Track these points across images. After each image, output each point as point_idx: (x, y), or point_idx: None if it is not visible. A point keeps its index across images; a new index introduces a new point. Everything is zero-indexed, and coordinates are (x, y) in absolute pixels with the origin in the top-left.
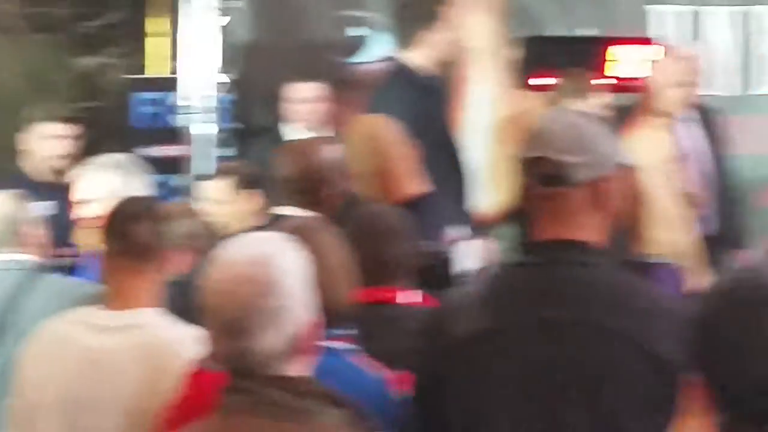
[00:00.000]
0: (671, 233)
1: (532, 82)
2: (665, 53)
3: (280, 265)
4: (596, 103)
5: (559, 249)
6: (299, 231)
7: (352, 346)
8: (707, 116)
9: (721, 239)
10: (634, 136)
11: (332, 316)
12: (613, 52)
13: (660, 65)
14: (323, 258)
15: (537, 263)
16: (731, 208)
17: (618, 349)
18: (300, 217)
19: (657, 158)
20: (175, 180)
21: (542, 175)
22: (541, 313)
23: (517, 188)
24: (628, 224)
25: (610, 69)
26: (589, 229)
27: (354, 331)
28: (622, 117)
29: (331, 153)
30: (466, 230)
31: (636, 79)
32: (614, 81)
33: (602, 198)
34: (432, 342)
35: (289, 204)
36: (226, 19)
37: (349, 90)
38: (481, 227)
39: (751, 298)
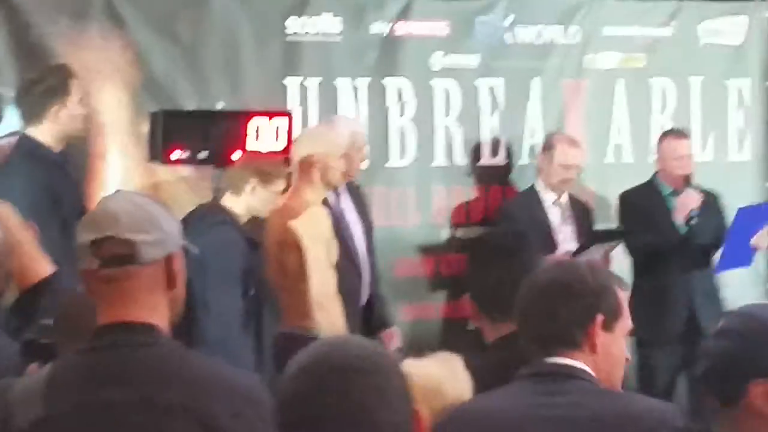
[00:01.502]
0: (329, 306)
1: (168, 156)
2: (309, 126)
3: None
4: (277, 189)
5: (123, 331)
6: None
7: None
8: (352, 189)
9: (371, 311)
10: (301, 209)
11: None
12: (254, 125)
13: (305, 138)
14: None
15: (100, 347)
16: (377, 281)
17: (180, 427)
18: None
19: (314, 232)
20: None
21: (111, 256)
22: (100, 396)
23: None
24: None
25: (251, 143)
26: (155, 310)
27: None
28: None
29: None
30: None
31: (278, 152)
32: (256, 155)
33: (171, 276)
34: None
35: None
36: None
37: None
38: None
39: (324, 372)
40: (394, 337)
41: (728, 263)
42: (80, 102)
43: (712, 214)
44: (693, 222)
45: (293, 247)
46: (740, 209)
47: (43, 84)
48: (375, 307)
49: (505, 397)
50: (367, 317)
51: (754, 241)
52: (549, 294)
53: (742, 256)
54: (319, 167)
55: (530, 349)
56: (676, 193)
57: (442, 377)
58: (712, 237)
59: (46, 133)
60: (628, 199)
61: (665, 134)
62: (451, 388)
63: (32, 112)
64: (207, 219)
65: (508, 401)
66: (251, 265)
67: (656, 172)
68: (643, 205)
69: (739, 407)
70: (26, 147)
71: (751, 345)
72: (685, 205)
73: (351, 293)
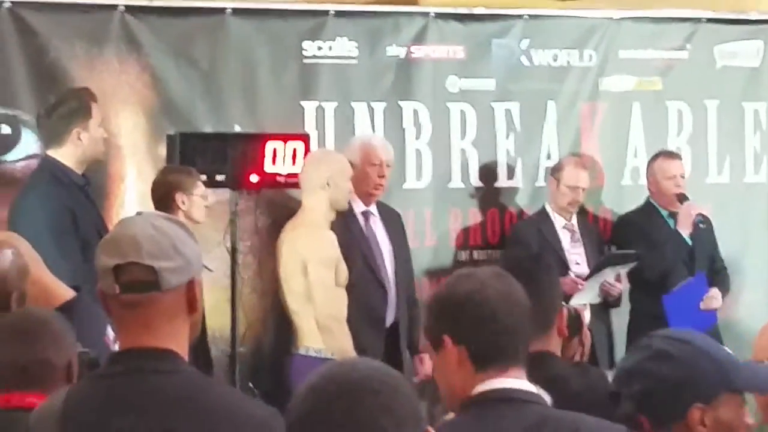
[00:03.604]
0: (335, 328)
1: None
2: (325, 149)
3: None
4: (204, 199)
5: (142, 357)
6: None
7: None
8: (383, 210)
9: (396, 333)
10: (301, 232)
11: None
12: (270, 148)
13: (332, 158)
14: None
15: (118, 373)
16: (411, 303)
17: None
18: None
19: (322, 254)
20: None
21: (134, 282)
22: (115, 423)
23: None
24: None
25: (268, 165)
26: (175, 336)
27: None
28: (285, 213)
29: (10, 257)
30: None
31: (295, 175)
32: (273, 177)
33: (192, 301)
34: None
35: None
36: None
37: None
38: None
39: (334, 392)
40: (426, 362)
41: None
42: (101, 125)
43: (710, 231)
44: (702, 226)
45: (298, 270)
46: (665, 297)
47: (65, 107)
48: (409, 330)
49: None
50: (393, 339)
51: (704, 306)
52: None
53: (700, 322)
54: (326, 190)
55: None
56: (673, 215)
57: None
58: (710, 253)
59: (68, 155)
60: (628, 222)
61: (656, 156)
62: None
63: (54, 135)
64: None
65: None
66: None
67: (649, 196)
68: (646, 227)
69: (671, 429)
70: (48, 169)
71: (692, 371)
72: (689, 214)
73: (375, 313)
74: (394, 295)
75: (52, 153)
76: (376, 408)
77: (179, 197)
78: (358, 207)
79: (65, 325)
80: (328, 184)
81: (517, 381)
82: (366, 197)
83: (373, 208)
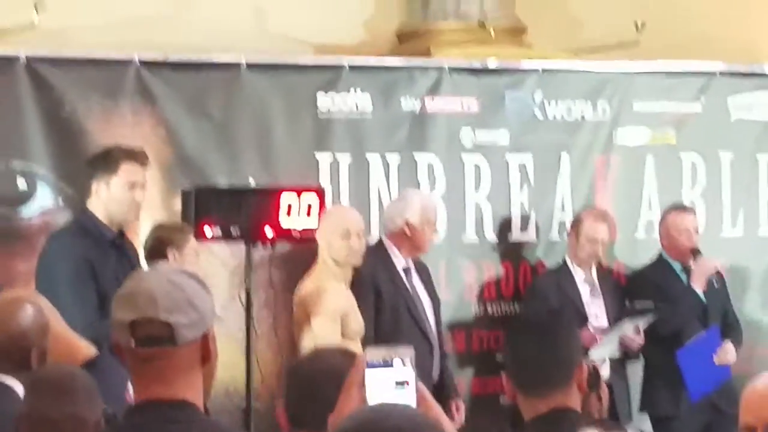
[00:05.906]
0: None
1: (200, 233)
2: (338, 202)
3: None
4: (192, 252)
5: (158, 409)
6: None
7: None
8: (420, 266)
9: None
10: (308, 285)
11: None
12: (285, 201)
13: (332, 214)
14: None
15: (135, 425)
16: (444, 356)
17: None
18: None
19: (326, 307)
20: None
21: (149, 337)
22: None
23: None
24: None
25: (283, 219)
26: (190, 387)
27: None
28: (299, 267)
29: (31, 313)
30: None
31: (310, 229)
32: (288, 231)
33: (206, 353)
34: None
35: None
36: None
37: (14, 242)
38: None
39: None
40: (461, 410)
41: (702, 388)
42: (133, 188)
43: (723, 287)
44: (716, 285)
45: (302, 324)
46: (678, 352)
47: (92, 159)
48: (444, 379)
49: None
50: (438, 392)
51: (718, 360)
52: None
53: (715, 377)
54: (322, 245)
55: None
56: (686, 269)
57: None
58: (723, 307)
59: (96, 208)
60: (642, 277)
61: (669, 210)
62: None
63: (84, 186)
64: None
65: None
66: None
67: (661, 250)
68: (659, 283)
69: None
70: (78, 220)
71: None
72: (704, 272)
73: (423, 368)
74: (438, 348)
75: (88, 204)
76: None
77: (170, 253)
78: (400, 262)
79: (92, 381)
80: (323, 240)
81: None
82: (414, 253)
83: (410, 262)
